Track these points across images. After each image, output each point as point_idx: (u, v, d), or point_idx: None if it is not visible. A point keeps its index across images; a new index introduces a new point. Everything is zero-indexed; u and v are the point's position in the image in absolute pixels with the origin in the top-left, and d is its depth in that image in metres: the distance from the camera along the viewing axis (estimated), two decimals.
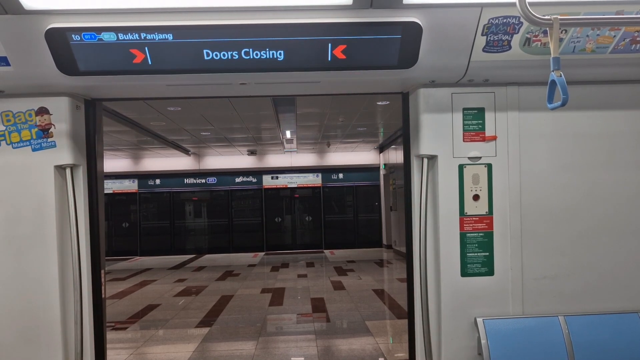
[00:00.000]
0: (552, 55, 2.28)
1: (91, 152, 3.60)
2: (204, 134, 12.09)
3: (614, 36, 3.03)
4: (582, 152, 3.49)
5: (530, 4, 2.21)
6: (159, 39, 2.81)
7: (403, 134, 3.75)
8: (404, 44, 2.91)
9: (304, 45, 2.91)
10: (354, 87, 3.58)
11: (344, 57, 2.97)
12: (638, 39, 3.05)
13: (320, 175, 17.81)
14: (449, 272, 3.44)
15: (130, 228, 17.59)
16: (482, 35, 2.95)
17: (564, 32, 2.96)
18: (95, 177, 3.62)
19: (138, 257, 17.00)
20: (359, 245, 17.60)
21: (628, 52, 3.11)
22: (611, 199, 3.51)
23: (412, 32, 2.85)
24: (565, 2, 2.78)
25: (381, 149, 16.34)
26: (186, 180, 17.60)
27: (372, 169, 17.30)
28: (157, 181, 17.39)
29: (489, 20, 2.88)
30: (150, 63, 2.92)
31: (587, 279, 3.51)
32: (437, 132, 3.43)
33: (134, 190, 17.47)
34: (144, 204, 17.65)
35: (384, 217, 16.83)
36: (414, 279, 3.63)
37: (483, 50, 3.03)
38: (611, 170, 3.51)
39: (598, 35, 3.02)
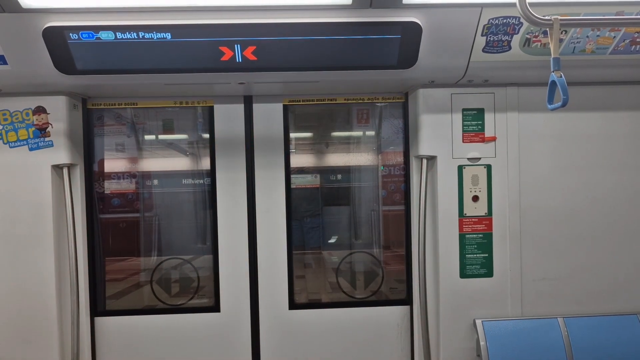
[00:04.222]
0: (552, 56, 2.26)
1: (89, 151, 3.59)
2: None
3: (614, 37, 3.02)
4: (582, 154, 3.48)
5: (531, 4, 2.20)
6: (157, 38, 2.79)
7: (404, 135, 3.74)
8: (403, 44, 2.90)
9: (303, 45, 2.89)
10: (353, 88, 3.56)
11: (344, 56, 2.96)
12: (638, 40, 3.04)
13: (318, 176, 17.80)
14: (448, 274, 3.42)
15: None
16: (482, 35, 2.94)
17: (564, 32, 2.95)
18: (91, 176, 3.62)
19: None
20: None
21: (628, 53, 3.10)
22: (610, 201, 3.50)
23: (412, 32, 2.84)
24: (565, 2, 2.77)
25: (379, 150, 16.31)
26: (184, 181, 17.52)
27: (371, 170, 17.24)
28: (155, 182, 17.31)
29: (489, 20, 2.87)
30: (148, 62, 2.91)
31: (586, 281, 3.49)
32: (437, 132, 3.41)
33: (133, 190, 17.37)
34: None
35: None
36: (412, 280, 3.61)
37: (483, 51, 3.02)
38: (611, 171, 3.49)
39: (598, 36, 3.01)
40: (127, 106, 3.66)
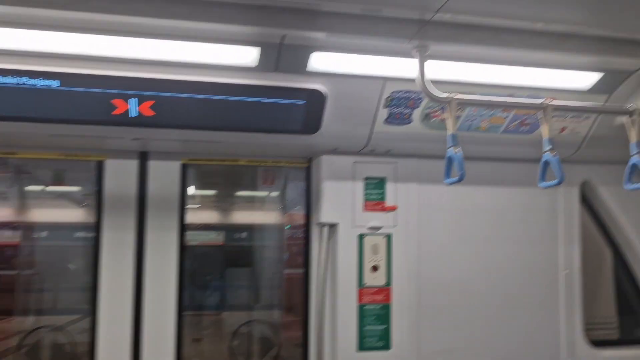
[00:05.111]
0: (449, 132, 2.31)
1: None
2: None
3: (506, 117, 3.19)
4: (476, 226, 3.58)
5: (431, 81, 2.26)
6: (41, 85, 2.56)
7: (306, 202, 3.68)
8: (308, 110, 2.88)
9: (205, 104, 2.79)
10: (257, 151, 3.47)
11: (247, 118, 2.88)
12: (526, 121, 3.24)
13: (223, 233, 17.33)
14: (346, 346, 3.30)
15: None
16: (385, 107, 2.99)
17: (461, 109, 3.07)
18: None
19: None
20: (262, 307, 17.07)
21: (517, 133, 3.29)
22: (503, 272, 3.60)
23: (316, 99, 2.84)
24: (462, 82, 2.90)
25: (284, 211, 16.23)
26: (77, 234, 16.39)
27: (274, 231, 17.04)
28: (44, 234, 16.01)
29: (392, 93, 2.93)
30: (31, 110, 2.65)
31: (482, 353, 3.51)
32: (338, 200, 3.38)
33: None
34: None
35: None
36: (309, 353, 3.46)
37: (385, 122, 3.07)
38: (503, 244, 3.61)
39: (492, 115, 3.16)
40: (3, 155, 3.30)
